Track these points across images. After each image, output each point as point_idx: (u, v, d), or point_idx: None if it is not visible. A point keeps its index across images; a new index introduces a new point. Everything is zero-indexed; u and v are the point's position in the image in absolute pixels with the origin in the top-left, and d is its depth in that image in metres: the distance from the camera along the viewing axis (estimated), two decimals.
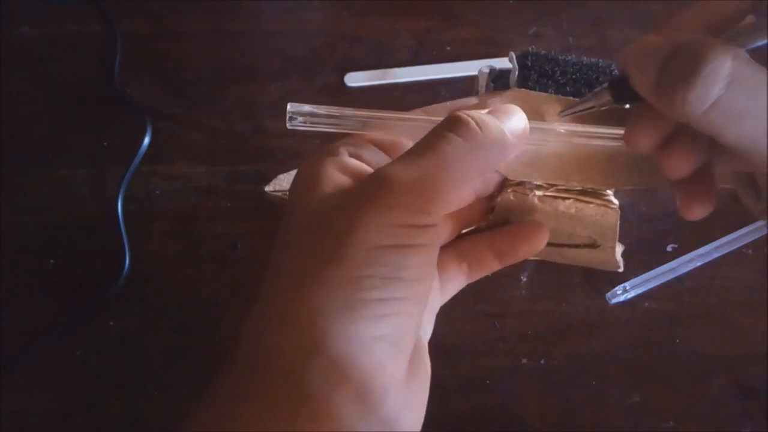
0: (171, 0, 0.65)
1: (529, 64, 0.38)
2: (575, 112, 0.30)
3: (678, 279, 0.50)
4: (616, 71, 0.29)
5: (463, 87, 0.59)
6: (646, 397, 0.47)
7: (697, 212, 0.28)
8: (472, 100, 0.34)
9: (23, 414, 0.48)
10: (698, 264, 0.50)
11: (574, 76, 0.38)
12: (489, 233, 0.33)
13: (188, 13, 0.64)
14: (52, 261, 0.53)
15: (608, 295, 0.50)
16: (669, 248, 0.51)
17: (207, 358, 0.48)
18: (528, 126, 0.30)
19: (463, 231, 0.34)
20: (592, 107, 0.29)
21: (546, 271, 0.51)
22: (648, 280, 0.49)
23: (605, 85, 0.28)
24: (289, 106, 0.30)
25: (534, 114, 0.32)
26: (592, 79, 0.38)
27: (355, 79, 0.60)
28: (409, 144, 0.31)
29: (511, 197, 0.32)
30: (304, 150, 0.56)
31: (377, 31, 0.63)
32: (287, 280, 0.25)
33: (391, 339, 0.25)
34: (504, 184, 0.32)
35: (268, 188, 0.44)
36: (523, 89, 0.34)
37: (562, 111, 0.31)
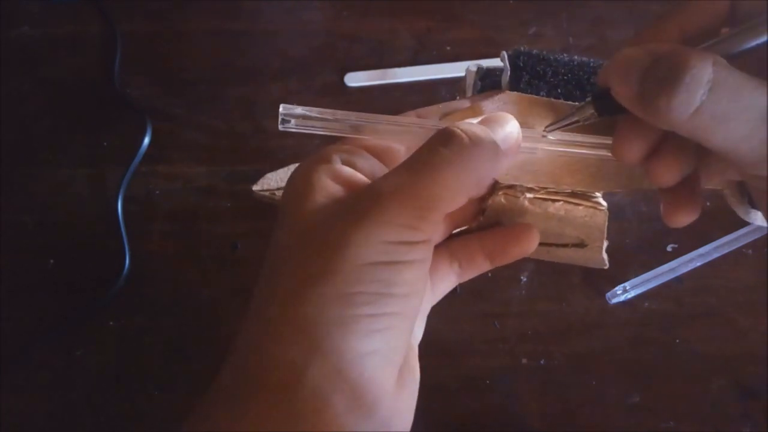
0: (171, 0, 0.65)
1: (521, 64, 0.38)
2: (560, 127, 0.30)
3: (678, 279, 0.50)
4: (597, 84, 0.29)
5: (456, 88, 0.59)
6: (646, 397, 0.47)
7: (682, 220, 0.29)
8: (465, 103, 0.34)
9: (23, 414, 0.48)
10: (698, 264, 0.50)
11: (565, 77, 0.38)
12: (480, 234, 0.33)
13: (188, 13, 0.64)
14: (52, 261, 0.53)
15: (608, 295, 0.50)
16: (669, 248, 0.51)
17: (207, 358, 0.48)
18: (521, 135, 0.30)
19: (455, 231, 0.34)
20: (577, 121, 0.29)
21: (546, 271, 0.51)
22: (648, 280, 0.50)
23: (588, 99, 0.28)
24: (282, 108, 0.30)
25: (525, 118, 0.32)
26: (583, 80, 0.38)
27: (355, 79, 0.60)
28: (402, 149, 0.31)
29: (503, 200, 0.32)
30: (304, 150, 0.56)
31: (377, 31, 0.63)
32: (279, 295, 0.25)
33: (382, 353, 0.25)
34: (495, 186, 0.33)
35: (255, 187, 0.44)
36: (515, 92, 0.35)
37: (547, 126, 0.31)
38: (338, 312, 0.24)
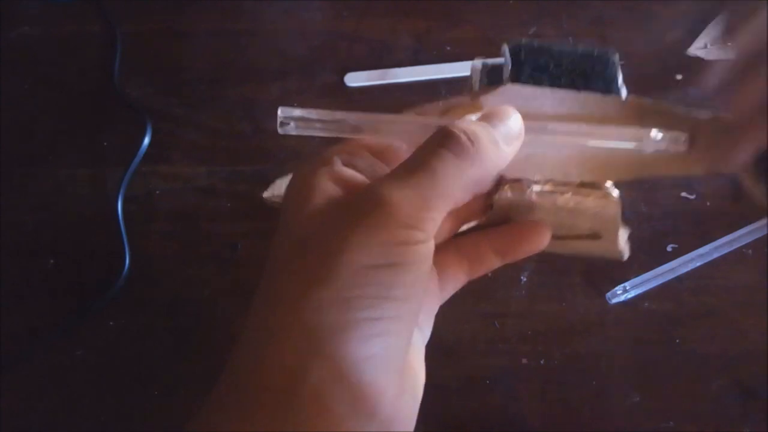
0: (171, 0, 0.65)
1: (522, 57, 0.38)
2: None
3: (678, 279, 0.50)
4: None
5: (463, 87, 0.59)
6: (646, 397, 0.47)
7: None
8: (465, 100, 0.34)
9: (23, 414, 0.48)
10: (698, 264, 0.50)
11: (568, 68, 0.37)
12: (490, 231, 0.33)
13: (188, 13, 0.64)
14: (52, 261, 0.53)
15: (608, 295, 0.50)
16: (669, 248, 0.51)
17: (207, 358, 0.48)
18: (523, 128, 0.30)
19: (462, 228, 0.34)
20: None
21: (546, 271, 0.51)
22: (648, 280, 0.49)
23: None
24: (280, 111, 0.30)
25: (528, 111, 0.32)
26: (587, 70, 0.37)
27: (355, 79, 0.60)
28: (403, 147, 0.31)
29: (509, 194, 0.32)
30: (304, 150, 0.56)
31: (377, 31, 0.63)
32: (279, 300, 0.25)
33: (382, 358, 0.25)
34: (501, 180, 0.32)
35: (266, 194, 0.44)
36: (516, 85, 0.34)
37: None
38: (337, 316, 0.24)
